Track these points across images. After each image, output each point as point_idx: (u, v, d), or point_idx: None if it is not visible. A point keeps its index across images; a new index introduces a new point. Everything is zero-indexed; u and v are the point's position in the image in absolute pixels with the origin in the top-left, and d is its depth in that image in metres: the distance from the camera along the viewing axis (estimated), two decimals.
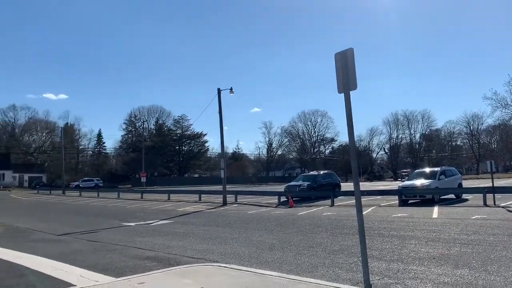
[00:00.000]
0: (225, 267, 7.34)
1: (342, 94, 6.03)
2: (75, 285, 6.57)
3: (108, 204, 29.27)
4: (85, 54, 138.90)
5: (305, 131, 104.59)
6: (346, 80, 5.96)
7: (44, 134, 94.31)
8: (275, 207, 22.26)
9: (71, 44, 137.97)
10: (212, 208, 22.91)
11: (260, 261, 8.46)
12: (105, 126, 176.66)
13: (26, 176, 79.59)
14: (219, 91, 26.69)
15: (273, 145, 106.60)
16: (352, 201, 23.60)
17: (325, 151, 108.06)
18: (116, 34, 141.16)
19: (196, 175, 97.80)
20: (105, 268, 8.02)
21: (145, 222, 16.67)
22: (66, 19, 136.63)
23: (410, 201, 21.06)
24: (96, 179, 68.25)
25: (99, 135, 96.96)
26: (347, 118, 5.94)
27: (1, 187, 68.66)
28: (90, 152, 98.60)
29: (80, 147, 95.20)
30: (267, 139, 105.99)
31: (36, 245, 11.41)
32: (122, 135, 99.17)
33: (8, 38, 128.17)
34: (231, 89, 26.57)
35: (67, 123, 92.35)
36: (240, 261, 8.45)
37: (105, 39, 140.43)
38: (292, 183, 29.39)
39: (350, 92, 6.01)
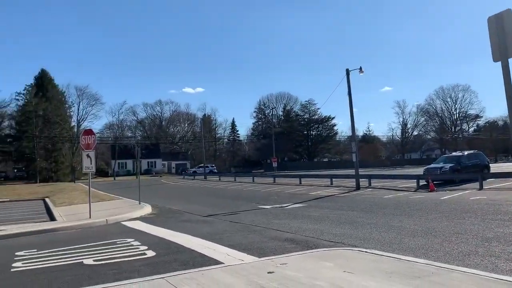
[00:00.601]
0: (366, 251, 7.12)
1: (493, 64, 5.29)
2: (223, 263, 7.04)
3: (244, 188, 30.91)
4: (217, 49, 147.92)
5: (444, 108, 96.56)
6: (504, 45, 5.19)
7: (186, 125, 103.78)
8: (414, 191, 20.96)
9: (203, 41, 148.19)
10: (345, 193, 22.57)
11: (402, 247, 8.03)
12: (238, 115, 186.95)
13: (173, 163, 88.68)
14: (347, 71, 25.94)
15: (408, 126, 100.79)
16: (505, 183, 21.05)
17: (468, 129, 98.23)
18: (242, 26, 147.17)
19: (325, 159, 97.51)
20: (247, 247, 8.44)
21: (280, 205, 17.16)
22: (196, 18, 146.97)
23: None
24: (211, 165, 71.89)
25: (233, 124, 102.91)
26: (506, 90, 5.19)
27: (153, 173, 77.72)
28: (226, 140, 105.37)
29: (217, 136, 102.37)
30: (401, 119, 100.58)
31: (186, 225, 12.58)
32: (253, 123, 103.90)
33: (150, 42, 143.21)
34: (360, 68, 25.60)
35: (204, 114, 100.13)
36: (381, 246, 8.13)
37: (232, 32, 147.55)
38: (432, 165, 27.31)
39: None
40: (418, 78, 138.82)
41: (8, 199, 27.41)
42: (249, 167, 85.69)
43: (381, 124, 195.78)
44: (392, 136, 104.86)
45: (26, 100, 63.32)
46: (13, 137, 64.64)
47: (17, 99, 65.75)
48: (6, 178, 70.08)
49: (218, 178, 49.25)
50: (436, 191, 19.82)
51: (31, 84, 65.36)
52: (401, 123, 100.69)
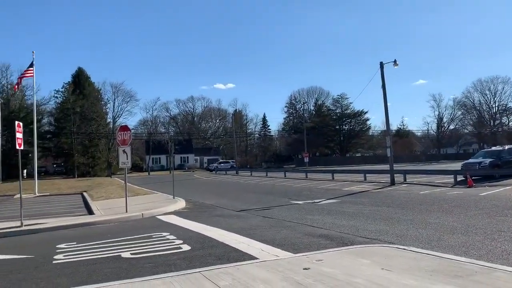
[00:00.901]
0: (404, 249, 6.94)
1: None
2: (258, 258, 7.02)
3: (275, 183, 30.87)
4: (248, 44, 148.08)
5: (482, 101, 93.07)
6: None
7: (217, 121, 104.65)
8: (451, 187, 20.33)
9: (234, 37, 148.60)
10: (379, 188, 22.14)
11: (441, 244, 7.79)
12: (268, 110, 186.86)
13: (205, 159, 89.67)
14: (381, 64, 25.39)
15: (444, 120, 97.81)
16: None
17: (508, 123, 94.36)
18: (273, 21, 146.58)
19: (358, 155, 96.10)
20: (281, 243, 8.40)
21: (313, 201, 17.02)
22: (227, 14, 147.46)
23: None
24: (232, 161, 71.69)
25: (264, 119, 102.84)
26: None
27: (186, 168, 78.84)
28: (257, 135, 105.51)
29: (248, 131, 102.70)
30: (437, 113, 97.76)
31: (219, 220, 12.67)
32: (284, 118, 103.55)
33: (181, 39, 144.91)
34: (395, 61, 24.97)
35: (235, 110, 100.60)
36: (418, 243, 7.91)
37: (263, 27, 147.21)
38: (471, 160, 26.41)
39: None
40: (454, 71, 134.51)
41: (49, 193, 28.48)
42: (280, 162, 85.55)
43: (416, 118, 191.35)
44: (428, 130, 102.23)
45: (64, 98, 65.38)
46: (52, 134, 67.01)
47: (56, 97, 68.13)
48: (46, 173, 72.83)
49: (249, 173, 49.44)
50: (475, 187, 19.17)
51: (69, 82, 67.45)
52: (437, 117, 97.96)
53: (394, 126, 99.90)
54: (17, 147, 12.68)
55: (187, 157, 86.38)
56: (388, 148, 25.40)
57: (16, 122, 12.82)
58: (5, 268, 7.40)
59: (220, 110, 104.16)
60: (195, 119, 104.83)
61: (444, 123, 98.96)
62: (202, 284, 5.39)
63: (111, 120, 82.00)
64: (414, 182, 23.94)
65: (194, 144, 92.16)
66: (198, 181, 42.18)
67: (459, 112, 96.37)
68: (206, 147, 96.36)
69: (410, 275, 5.33)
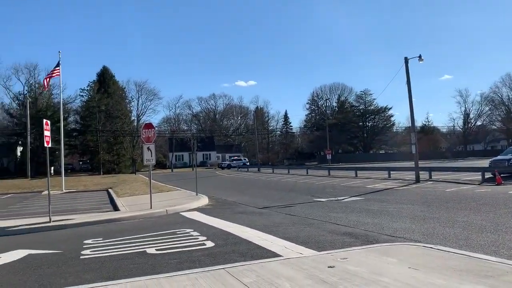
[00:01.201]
0: (430, 247, 6.79)
1: None
2: (282, 256, 7.00)
3: (298, 180, 30.75)
4: (268, 41, 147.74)
5: (511, 96, 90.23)
6: None
7: (239, 118, 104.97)
8: (479, 184, 19.81)
9: (254, 34, 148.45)
10: (403, 186, 21.79)
11: (469, 243, 7.59)
12: (290, 107, 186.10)
13: (227, 156, 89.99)
14: (406, 60, 24.91)
15: (471, 115, 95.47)
16: None
17: None
18: (292, 18, 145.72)
19: (382, 151, 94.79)
20: (305, 241, 8.35)
21: (336, 198, 16.87)
22: (246, 11, 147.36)
23: None
24: (244, 159, 71.47)
25: (286, 116, 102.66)
26: None
27: (208, 165, 79.38)
28: (278, 132, 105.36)
29: (270, 128, 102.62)
30: (463, 108, 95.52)
31: (242, 217, 12.69)
32: (306, 115, 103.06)
33: (202, 37, 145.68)
34: (419, 56, 24.47)
35: (257, 107, 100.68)
36: (446, 242, 7.73)
37: (283, 24, 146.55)
38: (499, 157, 25.65)
39: None
40: (481, 65, 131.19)
41: (75, 190, 29.13)
42: (302, 160, 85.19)
43: (441, 114, 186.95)
44: (454, 126, 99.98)
45: (89, 96, 66.73)
46: (78, 131, 68.48)
47: (81, 95, 69.56)
48: (72, 170, 74.57)
49: (271, 170, 49.41)
50: (504, 185, 18.64)
51: (94, 80, 68.79)
52: (463, 112, 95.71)
53: (419, 123, 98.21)
54: (45, 144, 12.99)
55: (209, 154, 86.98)
56: (413, 145, 24.93)
57: (44, 120, 13.12)
58: (35, 262, 7.60)
59: (242, 107, 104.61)
60: (217, 116, 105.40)
61: (471, 119, 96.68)
62: (226, 281, 5.41)
63: (135, 118, 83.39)
64: (440, 180, 23.45)
65: (216, 141, 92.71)
66: (221, 178, 42.40)
67: (487, 108, 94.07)
68: (228, 144, 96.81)
69: (438, 274, 5.21)
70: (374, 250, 6.82)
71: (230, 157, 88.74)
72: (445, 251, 6.59)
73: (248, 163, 67.00)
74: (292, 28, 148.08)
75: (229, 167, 63.97)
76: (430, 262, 5.83)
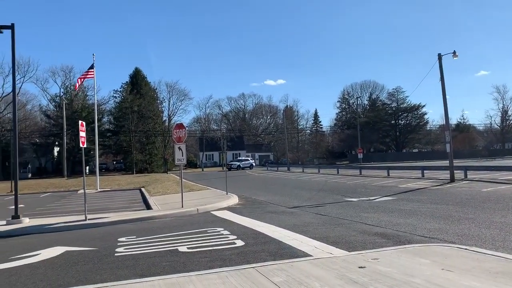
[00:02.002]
0: (465, 249, 6.61)
1: None
2: (312, 255, 6.99)
3: (328, 179, 30.48)
4: (297, 40, 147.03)
5: None
6: None
7: (268, 117, 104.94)
8: None
9: (282, 31, 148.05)
10: (437, 185, 21.25)
11: (507, 245, 7.35)
12: (320, 105, 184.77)
13: (256, 155, 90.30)
14: (439, 56, 24.28)
15: (509, 112, 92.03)
16: None
17: None
18: (322, 16, 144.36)
19: (415, 150, 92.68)
20: (336, 241, 8.30)
21: (367, 198, 16.64)
22: (277, 10, 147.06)
23: None
24: (251, 159, 69.36)
25: (316, 115, 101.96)
26: None
27: None
28: (308, 131, 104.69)
29: (299, 127, 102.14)
30: (501, 105, 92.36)
31: (271, 216, 12.72)
32: (336, 113, 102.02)
33: (231, 36, 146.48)
34: (454, 52, 23.80)
35: (287, 106, 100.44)
36: (481, 243, 7.51)
37: (311, 20, 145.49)
38: None
39: None
40: None
41: (109, 189, 29.96)
42: (333, 159, 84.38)
43: (477, 111, 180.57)
44: (490, 124, 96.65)
45: (122, 97, 68.36)
46: (112, 132, 70.30)
47: (115, 96, 71.36)
48: (106, 169, 76.66)
49: (301, 170, 49.20)
50: None
51: (127, 82, 70.40)
52: (501, 109, 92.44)
53: (453, 120, 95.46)
54: (81, 145, 13.43)
55: (239, 153, 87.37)
56: (447, 143, 24.28)
57: (80, 122, 13.56)
58: (72, 259, 7.89)
59: (271, 106, 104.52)
60: (246, 116, 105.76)
61: (509, 116, 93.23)
62: (256, 280, 5.45)
63: (167, 118, 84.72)
64: (476, 179, 22.75)
65: (245, 140, 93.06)
66: (250, 177, 42.55)
67: None
68: (257, 143, 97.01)
69: (472, 276, 5.08)
70: (406, 251, 6.71)
71: (259, 156, 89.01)
72: (480, 252, 6.41)
73: (254, 164, 65.82)
74: (321, 25, 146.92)
75: (238, 168, 62.65)
76: (464, 263, 5.69)
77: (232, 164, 63.48)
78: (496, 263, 5.64)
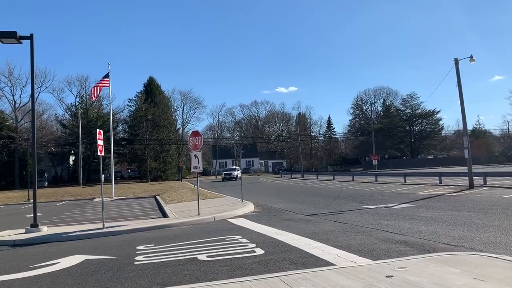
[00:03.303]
0: (496, 257, 6.38)
1: None
2: (335, 264, 6.82)
3: (344, 187, 30.17)
4: (306, 47, 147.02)
5: None
6: None
7: (281, 124, 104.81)
8: None
9: (291, 41, 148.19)
10: (456, 192, 20.84)
11: None
12: (333, 112, 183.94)
13: (269, 162, 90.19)
14: (456, 61, 23.95)
15: None
16: None
17: None
18: (332, 20, 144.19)
19: (430, 156, 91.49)
20: (358, 249, 8.11)
21: (385, 205, 16.37)
22: (287, 18, 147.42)
23: None
24: (236, 167, 61.77)
25: (329, 121, 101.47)
26: None
27: (251, 172, 79.74)
28: (322, 138, 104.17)
29: (312, 134, 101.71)
30: None
31: (290, 224, 12.55)
32: (350, 120, 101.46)
33: (242, 46, 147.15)
34: (471, 57, 23.44)
35: (299, 113, 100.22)
36: (511, 252, 7.27)
37: (322, 27, 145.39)
38: None
39: None
40: None
41: (125, 197, 30.08)
42: (347, 165, 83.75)
43: (493, 117, 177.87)
44: (508, 129, 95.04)
45: (137, 106, 68.94)
46: (127, 140, 70.84)
47: (129, 105, 72.02)
48: (121, 177, 77.22)
49: (315, 177, 48.86)
50: None
51: (141, 91, 71.05)
52: None
53: (469, 126, 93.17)
54: (99, 153, 13.48)
55: (252, 161, 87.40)
56: (465, 149, 23.84)
57: (98, 130, 13.62)
58: (92, 268, 7.84)
59: (284, 113, 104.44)
60: (259, 123, 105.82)
61: None
62: None
63: (180, 126, 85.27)
64: (496, 185, 22.27)
65: (258, 148, 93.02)
66: (265, 184, 42.39)
67: None
68: (270, 150, 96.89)
69: (508, 286, 4.87)
70: (433, 260, 6.50)
71: (272, 163, 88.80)
72: None
73: (239, 176, 55.84)
74: (333, 31, 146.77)
75: (229, 178, 54.65)
76: (497, 273, 5.48)
77: (225, 173, 56.84)
78: None
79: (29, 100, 60.69)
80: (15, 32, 13.80)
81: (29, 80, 15.42)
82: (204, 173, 78.41)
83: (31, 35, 14.23)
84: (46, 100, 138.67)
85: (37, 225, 13.49)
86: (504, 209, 13.24)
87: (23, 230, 13.37)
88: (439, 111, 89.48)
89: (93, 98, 43.63)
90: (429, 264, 6.16)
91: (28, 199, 30.64)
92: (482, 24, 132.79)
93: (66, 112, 74.00)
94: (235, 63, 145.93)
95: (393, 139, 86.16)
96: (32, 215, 14.18)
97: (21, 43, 14.17)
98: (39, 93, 67.66)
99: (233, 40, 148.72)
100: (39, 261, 8.74)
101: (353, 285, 5.31)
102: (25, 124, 64.48)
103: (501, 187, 21.30)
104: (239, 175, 42.92)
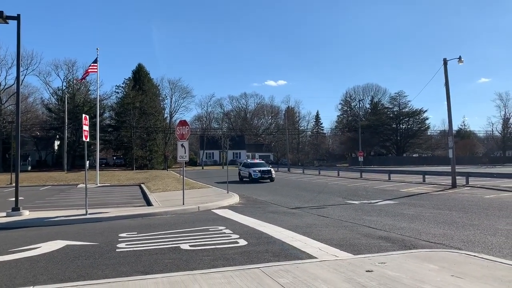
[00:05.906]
0: (474, 256, 6.50)
1: None
2: (316, 257, 6.88)
3: (329, 182, 30.38)
4: (296, 40, 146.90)
5: None
6: None
7: (270, 118, 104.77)
8: None
9: (282, 34, 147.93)
10: (439, 190, 21.15)
11: None
12: (322, 107, 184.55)
13: (257, 155, 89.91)
14: (445, 61, 24.17)
15: (511, 120, 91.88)
16: None
17: None
18: (324, 17, 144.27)
19: (415, 155, 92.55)
20: (340, 243, 8.19)
21: (369, 201, 16.55)
22: (278, 12, 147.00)
23: None
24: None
25: (317, 116, 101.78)
26: None
27: (238, 164, 79.67)
28: (309, 132, 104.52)
29: (300, 128, 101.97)
30: (503, 113, 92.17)
31: (273, 216, 12.61)
32: (337, 116, 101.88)
33: (233, 38, 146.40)
34: (459, 58, 23.67)
35: (288, 107, 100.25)
36: (488, 251, 7.42)
37: (313, 23, 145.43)
38: None
39: None
40: None
41: (109, 184, 29.84)
42: (333, 161, 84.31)
43: (478, 118, 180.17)
44: (492, 131, 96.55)
45: (124, 93, 68.15)
46: (113, 127, 70.09)
47: (117, 92, 71.17)
48: (106, 164, 76.39)
49: (301, 171, 49.08)
50: None
51: (129, 77, 70.24)
52: (503, 117, 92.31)
53: (454, 126, 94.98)
54: (84, 139, 13.32)
55: (239, 153, 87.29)
56: (450, 149, 24.16)
57: (83, 115, 13.45)
58: (73, 253, 7.78)
59: (273, 107, 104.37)
60: (248, 115, 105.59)
61: (511, 123, 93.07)
62: (262, 280, 5.34)
63: (168, 115, 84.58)
64: (478, 186, 22.65)
65: (246, 140, 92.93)
66: None
67: None
68: (258, 143, 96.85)
69: (484, 284, 4.97)
70: (413, 256, 6.60)
71: (260, 156, 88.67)
72: (489, 260, 6.30)
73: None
74: (325, 28, 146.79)
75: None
76: (475, 271, 5.58)
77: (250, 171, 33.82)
78: (508, 272, 5.53)
79: (14, 82, 59.47)
80: (1, 12, 13.50)
81: (15, 62, 15.06)
82: (191, 163, 78.14)
83: (18, 15, 13.94)
84: (32, 83, 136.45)
85: (18, 209, 13.31)
86: (484, 209, 13.48)
87: (4, 214, 13.19)
88: (426, 111, 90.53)
89: (80, 81, 42.87)
90: (409, 260, 6.25)
91: (11, 183, 30.18)
92: (472, 26, 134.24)
93: (52, 96, 72.81)
94: (225, 55, 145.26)
95: (380, 136, 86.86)
96: (13, 198, 13.99)
97: (7, 23, 13.86)
98: (25, 75, 66.28)
99: (224, 30, 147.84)
100: (19, 245, 8.64)
101: (334, 278, 5.36)
102: (10, 106, 63.33)
103: (482, 188, 21.67)
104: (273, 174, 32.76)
